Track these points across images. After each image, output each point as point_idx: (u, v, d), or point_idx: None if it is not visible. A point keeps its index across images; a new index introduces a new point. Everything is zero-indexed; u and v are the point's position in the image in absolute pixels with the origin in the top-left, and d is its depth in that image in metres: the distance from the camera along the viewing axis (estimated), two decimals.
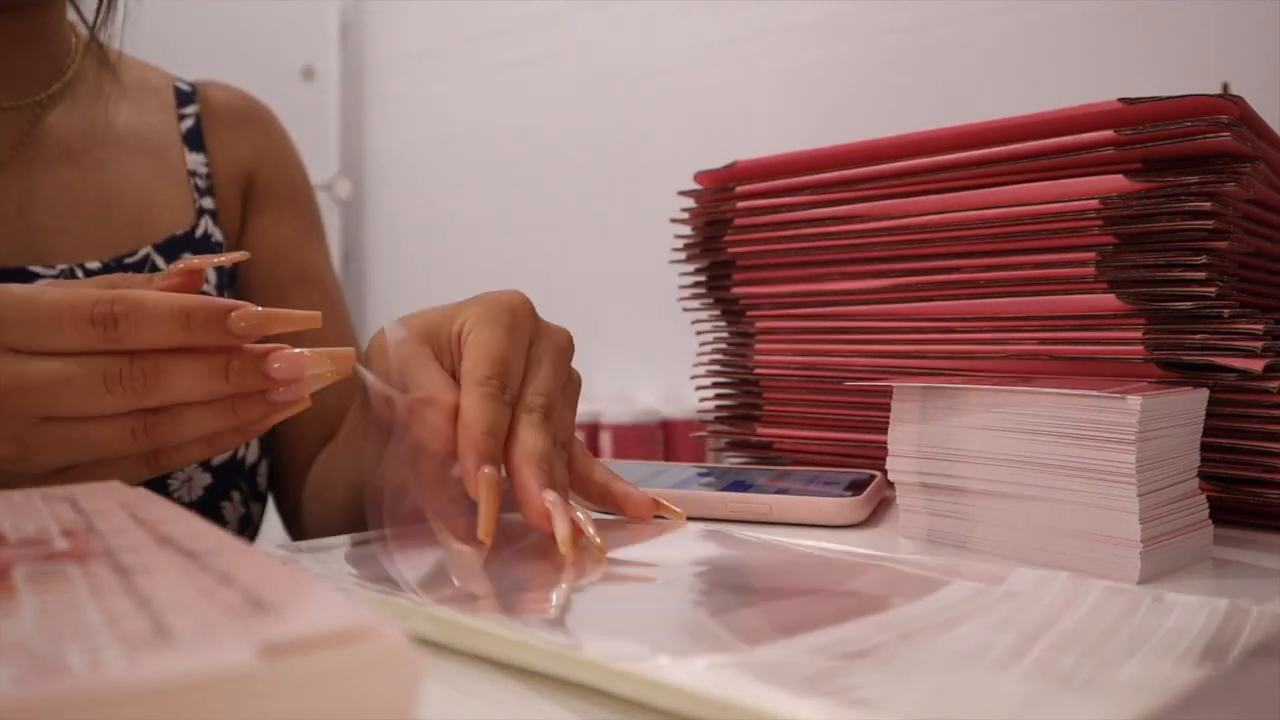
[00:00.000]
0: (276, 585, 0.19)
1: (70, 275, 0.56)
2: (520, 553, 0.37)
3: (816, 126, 1.32)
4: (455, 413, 0.37)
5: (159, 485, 0.55)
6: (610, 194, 1.61)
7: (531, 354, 0.40)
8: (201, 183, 0.65)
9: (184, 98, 0.67)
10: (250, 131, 0.69)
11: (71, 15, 0.63)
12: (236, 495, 0.60)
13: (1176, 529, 0.36)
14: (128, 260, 0.58)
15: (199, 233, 0.63)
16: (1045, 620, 0.27)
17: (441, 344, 0.40)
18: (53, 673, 0.15)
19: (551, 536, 0.35)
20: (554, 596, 0.32)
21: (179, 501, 0.53)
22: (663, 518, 0.41)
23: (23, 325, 0.35)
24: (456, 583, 0.32)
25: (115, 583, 0.20)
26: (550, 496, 0.36)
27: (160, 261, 0.60)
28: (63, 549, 0.22)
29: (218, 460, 0.58)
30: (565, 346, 0.42)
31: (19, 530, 0.24)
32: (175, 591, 0.19)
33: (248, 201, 0.68)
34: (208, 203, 0.64)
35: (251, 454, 0.60)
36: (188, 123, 0.66)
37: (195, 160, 0.65)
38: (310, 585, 0.19)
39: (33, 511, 0.26)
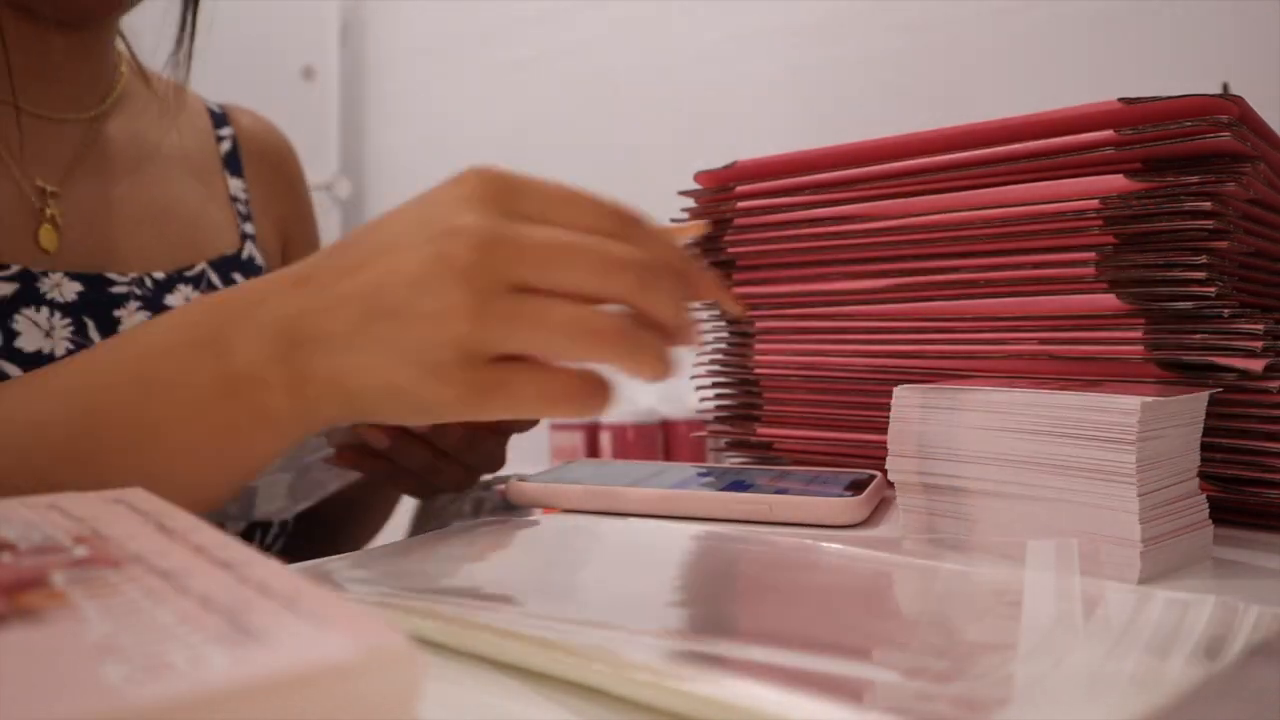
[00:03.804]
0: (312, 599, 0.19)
1: (141, 284, 0.58)
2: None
3: (816, 126, 1.32)
4: None
5: None
6: (610, 193, 1.61)
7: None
8: (243, 209, 0.68)
9: (217, 120, 0.70)
10: (279, 178, 0.73)
11: (121, 39, 0.66)
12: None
13: (1176, 529, 0.36)
14: (187, 274, 0.61)
15: (244, 255, 0.65)
16: (1046, 617, 0.27)
17: None
18: (162, 671, 0.15)
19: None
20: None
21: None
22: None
23: (538, 196, 0.34)
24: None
25: (164, 586, 0.20)
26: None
27: (215, 279, 0.62)
28: (85, 555, 0.22)
29: None
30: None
31: (26, 539, 0.23)
32: (230, 592, 0.19)
33: (286, 244, 0.72)
34: (249, 228, 0.67)
35: None
36: (225, 145, 0.69)
37: (236, 185, 0.68)
38: (333, 599, 0.19)
39: (26, 519, 0.25)
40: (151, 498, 0.28)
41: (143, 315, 0.58)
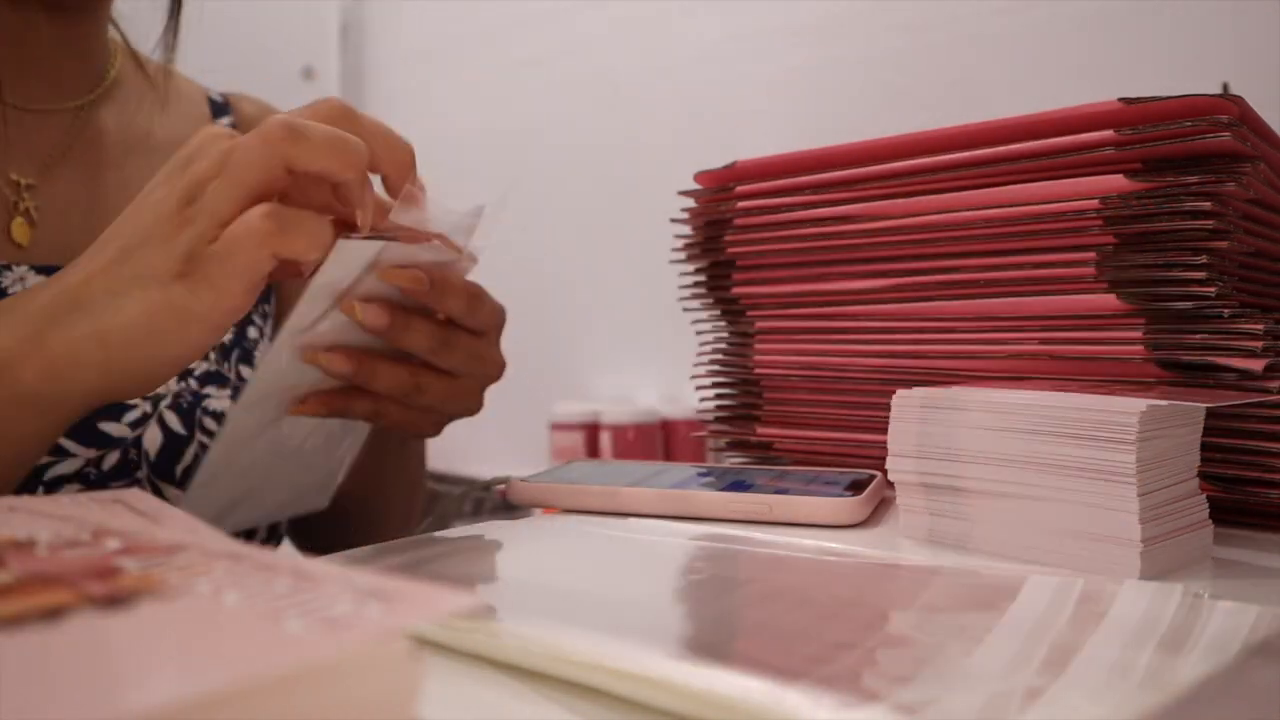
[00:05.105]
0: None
1: None
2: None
3: (816, 126, 1.32)
4: None
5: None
6: (610, 194, 1.61)
7: None
8: None
9: (217, 109, 0.69)
10: None
11: (112, 28, 0.65)
12: None
13: (1176, 529, 0.36)
14: None
15: None
16: (1047, 617, 0.27)
17: None
18: (335, 624, 0.16)
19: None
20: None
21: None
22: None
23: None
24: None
25: (238, 565, 0.20)
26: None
27: None
28: (119, 547, 0.22)
29: None
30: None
31: (38, 538, 0.24)
32: (312, 566, 0.20)
33: None
34: None
35: None
36: None
37: None
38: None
39: (25, 521, 0.25)
40: (147, 497, 0.28)
41: None
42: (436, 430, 0.52)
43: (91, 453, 0.53)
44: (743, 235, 0.56)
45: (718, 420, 0.60)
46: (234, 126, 0.69)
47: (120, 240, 0.40)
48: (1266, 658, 0.24)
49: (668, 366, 1.49)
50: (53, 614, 0.17)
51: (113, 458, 0.53)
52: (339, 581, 0.18)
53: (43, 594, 0.18)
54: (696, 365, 0.61)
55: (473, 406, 0.52)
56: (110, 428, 0.53)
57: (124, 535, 0.23)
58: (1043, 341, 0.46)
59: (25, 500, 0.28)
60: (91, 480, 0.52)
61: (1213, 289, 0.41)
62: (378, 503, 0.66)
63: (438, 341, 0.47)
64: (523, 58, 1.74)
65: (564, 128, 1.68)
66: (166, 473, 0.55)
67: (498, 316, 0.51)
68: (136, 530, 0.24)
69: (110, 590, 0.18)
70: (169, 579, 0.19)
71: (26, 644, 0.15)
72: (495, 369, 0.51)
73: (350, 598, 0.17)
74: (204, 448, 0.57)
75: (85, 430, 0.52)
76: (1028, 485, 0.37)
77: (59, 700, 0.13)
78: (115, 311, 0.38)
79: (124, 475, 0.53)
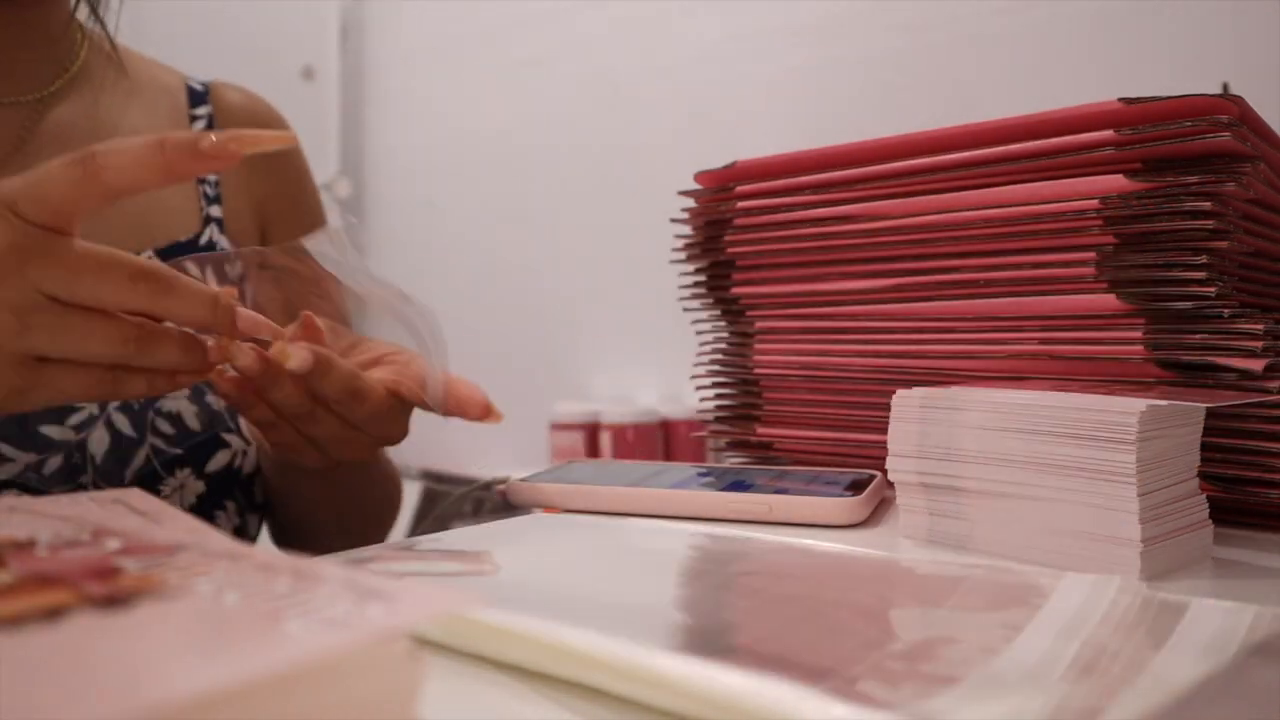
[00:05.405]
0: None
1: None
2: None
3: (816, 126, 1.32)
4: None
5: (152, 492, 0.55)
6: (610, 194, 1.61)
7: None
8: (210, 190, 0.64)
9: (196, 98, 0.66)
10: (260, 154, 0.67)
11: (81, 11, 0.63)
12: (231, 505, 0.59)
13: (1177, 529, 0.36)
14: None
15: (204, 239, 0.62)
16: (1046, 618, 0.27)
17: None
18: (333, 625, 0.16)
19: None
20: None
21: None
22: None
23: (67, 279, 0.38)
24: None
25: (235, 565, 0.20)
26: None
27: None
28: (119, 547, 0.22)
29: (212, 468, 0.57)
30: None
31: (38, 538, 0.24)
32: (312, 566, 0.20)
33: (266, 225, 0.67)
34: (215, 211, 0.63)
35: (248, 464, 0.59)
36: (199, 125, 0.65)
37: None
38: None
39: (24, 522, 0.26)
40: (147, 497, 0.28)
41: None
42: (320, 464, 0.49)
43: (31, 457, 0.50)
44: (743, 235, 0.56)
45: (718, 420, 0.60)
46: (212, 116, 0.66)
47: None
48: (1265, 658, 0.24)
49: (667, 366, 1.49)
50: (53, 614, 0.17)
51: (55, 462, 0.51)
52: (339, 581, 0.18)
53: (43, 594, 0.18)
54: (696, 365, 0.61)
55: (363, 455, 0.49)
56: (52, 431, 0.51)
57: (124, 535, 0.23)
58: (1043, 341, 0.46)
59: (25, 500, 0.28)
60: (32, 486, 0.50)
61: (1213, 289, 0.41)
62: (340, 524, 0.64)
63: (304, 410, 0.45)
64: (523, 58, 1.74)
65: (564, 128, 1.68)
66: (114, 477, 0.53)
67: (377, 409, 0.47)
68: (136, 530, 0.24)
69: (110, 590, 0.18)
70: (169, 579, 0.19)
71: (26, 644, 0.15)
72: (394, 430, 0.49)
73: (350, 598, 0.17)
74: (155, 450, 0.55)
75: (23, 433, 0.50)
76: (1028, 485, 0.37)
77: (59, 700, 0.13)
78: None
79: (67, 480, 0.51)
